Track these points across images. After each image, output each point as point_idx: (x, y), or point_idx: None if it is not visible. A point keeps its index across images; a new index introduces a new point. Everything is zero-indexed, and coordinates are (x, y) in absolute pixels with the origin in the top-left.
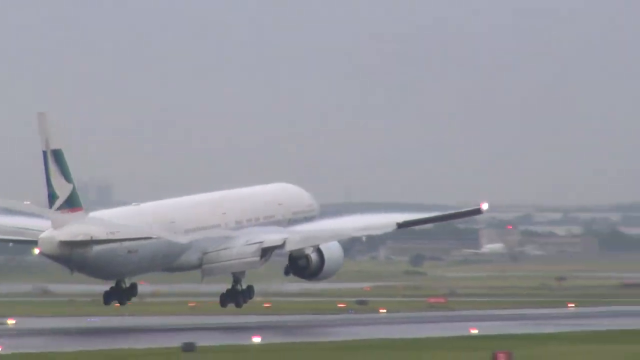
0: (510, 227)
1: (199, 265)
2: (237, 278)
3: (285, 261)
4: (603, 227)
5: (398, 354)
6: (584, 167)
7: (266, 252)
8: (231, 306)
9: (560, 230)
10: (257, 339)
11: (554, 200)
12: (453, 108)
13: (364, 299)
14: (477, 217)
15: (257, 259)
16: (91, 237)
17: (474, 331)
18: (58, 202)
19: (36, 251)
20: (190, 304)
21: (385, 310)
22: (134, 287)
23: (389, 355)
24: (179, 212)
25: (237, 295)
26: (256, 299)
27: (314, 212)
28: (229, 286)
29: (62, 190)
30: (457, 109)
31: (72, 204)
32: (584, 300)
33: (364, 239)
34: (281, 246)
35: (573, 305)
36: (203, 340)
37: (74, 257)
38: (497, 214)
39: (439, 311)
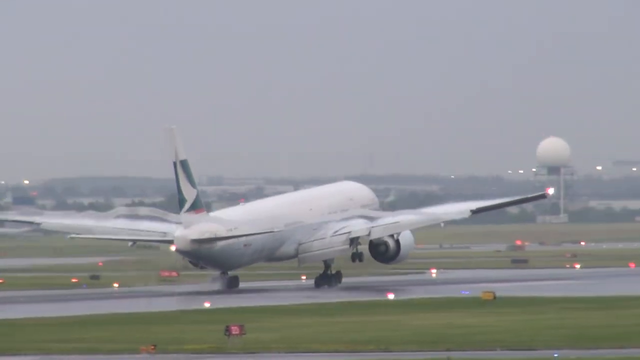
0: (243, 200)
1: (295, 255)
2: (327, 264)
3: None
4: None
5: (130, 328)
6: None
7: (354, 241)
8: None
9: None
10: None
11: (284, 172)
12: None
13: (96, 274)
14: (208, 190)
15: (347, 247)
16: (215, 234)
17: (207, 305)
18: (186, 205)
19: (172, 248)
20: None
21: (117, 285)
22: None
23: (121, 330)
24: (278, 209)
25: (329, 279)
26: None
27: (376, 204)
28: (321, 272)
29: (189, 194)
30: None
31: (196, 206)
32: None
33: (442, 225)
34: (367, 235)
35: (304, 277)
36: None
37: (202, 252)
38: (228, 187)
39: (172, 285)
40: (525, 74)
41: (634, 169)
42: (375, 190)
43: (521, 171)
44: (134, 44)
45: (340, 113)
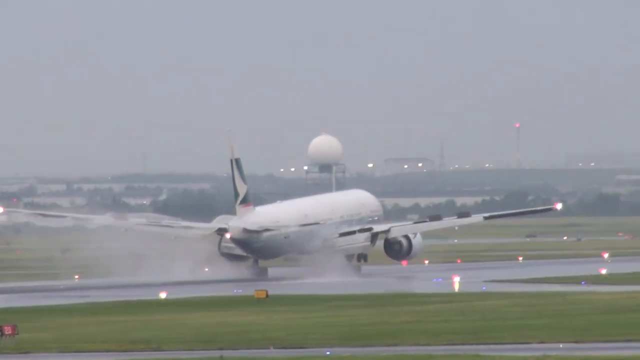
0: (15, 199)
1: (322, 249)
2: (357, 256)
3: None
4: (107, 198)
5: None
6: (89, 139)
7: (374, 238)
8: None
9: (64, 202)
10: None
11: (56, 172)
12: None
13: None
14: None
15: (368, 243)
16: (262, 226)
17: None
18: (239, 199)
19: (227, 236)
20: None
21: None
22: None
23: None
24: (308, 208)
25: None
26: None
27: (381, 211)
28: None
29: (242, 189)
30: None
31: (246, 200)
32: (87, 272)
33: (456, 228)
34: (386, 232)
35: (77, 277)
36: None
37: (251, 240)
38: (2, 186)
39: None
40: (294, 72)
41: (405, 167)
42: (147, 189)
43: (293, 169)
44: None
45: (110, 114)
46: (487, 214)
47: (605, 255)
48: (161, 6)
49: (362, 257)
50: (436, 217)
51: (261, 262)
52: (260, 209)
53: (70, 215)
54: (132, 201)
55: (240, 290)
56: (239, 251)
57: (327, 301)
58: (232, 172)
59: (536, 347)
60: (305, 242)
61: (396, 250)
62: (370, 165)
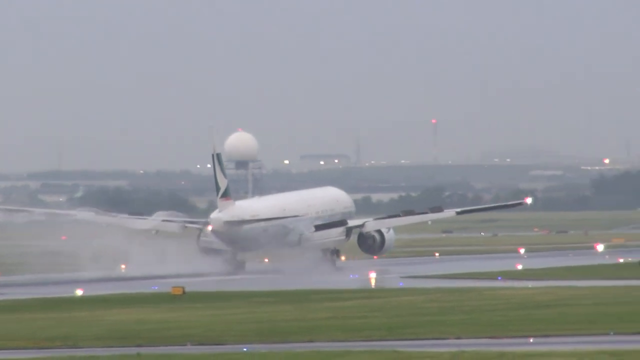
0: None
1: (298, 244)
2: (331, 251)
3: None
4: (23, 195)
5: None
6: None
7: (349, 232)
8: None
9: None
10: None
11: None
12: None
13: None
14: None
15: (343, 237)
16: (242, 218)
17: None
18: (220, 192)
19: (209, 228)
20: None
21: None
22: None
23: None
24: (286, 203)
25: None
26: None
27: (354, 208)
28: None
29: (222, 183)
30: None
31: (226, 194)
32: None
33: (429, 223)
34: (361, 226)
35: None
36: None
37: (231, 233)
38: None
39: None
40: (209, 67)
41: (322, 163)
42: (63, 187)
43: (209, 165)
44: None
45: (24, 108)
46: (459, 209)
47: (522, 251)
48: None
49: (335, 252)
50: (409, 212)
51: (240, 256)
52: (240, 203)
53: (46, 211)
54: (49, 198)
55: (157, 287)
56: (217, 245)
57: (245, 298)
58: (213, 167)
59: (452, 342)
60: (282, 236)
61: (369, 244)
62: (286, 161)
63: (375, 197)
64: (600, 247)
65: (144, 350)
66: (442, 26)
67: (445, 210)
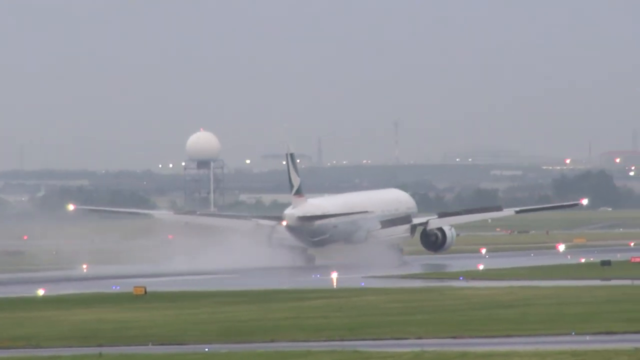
0: None
1: (365, 240)
2: (397, 246)
3: None
4: None
5: None
6: None
7: (414, 229)
8: None
9: None
10: None
11: None
12: None
13: None
14: None
15: (408, 234)
16: (314, 214)
17: None
18: (294, 190)
19: (283, 223)
20: None
21: None
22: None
23: None
24: (355, 202)
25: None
26: None
27: (416, 209)
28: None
29: (296, 181)
30: None
31: (299, 191)
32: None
33: (489, 221)
34: (425, 224)
35: None
36: None
37: (304, 228)
38: None
39: None
40: (172, 69)
41: (283, 162)
42: (24, 186)
43: (171, 165)
44: None
45: None
46: (517, 209)
47: (483, 251)
48: None
49: (400, 248)
50: (470, 211)
51: (310, 251)
52: (312, 201)
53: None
54: (11, 198)
55: (119, 287)
56: (288, 242)
57: (206, 297)
58: (287, 166)
59: (414, 342)
60: (351, 232)
61: (432, 241)
62: (247, 161)
63: None
64: (561, 247)
65: (105, 350)
66: (402, 27)
67: (504, 209)
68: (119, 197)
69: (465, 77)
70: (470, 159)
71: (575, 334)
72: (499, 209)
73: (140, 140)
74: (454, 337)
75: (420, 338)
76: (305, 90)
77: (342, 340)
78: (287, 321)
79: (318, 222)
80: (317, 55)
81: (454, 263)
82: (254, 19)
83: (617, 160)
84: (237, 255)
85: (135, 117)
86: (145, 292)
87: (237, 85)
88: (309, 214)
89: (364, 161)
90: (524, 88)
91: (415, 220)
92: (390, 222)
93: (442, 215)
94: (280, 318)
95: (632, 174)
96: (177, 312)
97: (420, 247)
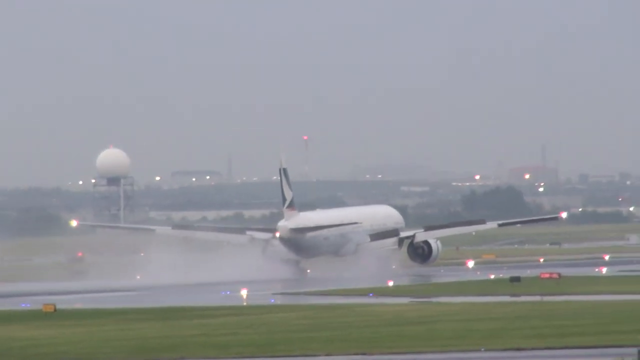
0: None
1: (355, 252)
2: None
3: None
4: None
5: None
6: None
7: (401, 242)
8: None
9: None
10: None
11: None
12: None
13: None
14: None
15: (396, 247)
16: (306, 226)
17: None
18: (286, 203)
19: (276, 235)
20: None
21: None
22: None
23: None
24: (347, 217)
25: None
26: None
27: (403, 224)
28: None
29: (288, 195)
30: None
31: (291, 204)
32: None
33: (473, 233)
34: (412, 237)
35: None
36: None
37: (296, 239)
38: None
39: None
40: (83, 84)
41: (193, 179)
42: None
43: (81, 182)
44: None
45: None
46: (500, 222)
47: (393, 267)
48: None
49: (387, 260)
50: (455, 224)
51: (302, 263)
52: (304, 214)
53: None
54: None
55: (29, 305)
56: (282, 255)
57: (115, 315)
58: (280, 180)
59: (323, 359)
60: (341, 244)
61: (419, 254)
62: (158, 178)
63: (248, 213)
64: (471, 264)
65: None
66: (311, 43)
67: (487, 222)
68: (26, 216)
69: (374, 92)
70: (379, 175)
71: (485, 350)
72: (482, 222)
73: (50, 156)
74: (363, 354)
75: (329, 355)
76: (216, 107)
77: (252, 357)
78: (195, 338)
79: (310, 234)
80: (226, 71)
81: (365, 280)
82: (170, 32)
83: (527, 176)
84: (228, 269)
85: (43, 133)
86: (55, 309)
87: (147, 101)
88: (301, 226)
89: (274, 177)
90: (433, 104)
91: (403, 234)
92: (379, 235)
93: (428, 228)
94: (189, 335)
95: (541, 189)
96: (87, 330)
97: (409, 260)
